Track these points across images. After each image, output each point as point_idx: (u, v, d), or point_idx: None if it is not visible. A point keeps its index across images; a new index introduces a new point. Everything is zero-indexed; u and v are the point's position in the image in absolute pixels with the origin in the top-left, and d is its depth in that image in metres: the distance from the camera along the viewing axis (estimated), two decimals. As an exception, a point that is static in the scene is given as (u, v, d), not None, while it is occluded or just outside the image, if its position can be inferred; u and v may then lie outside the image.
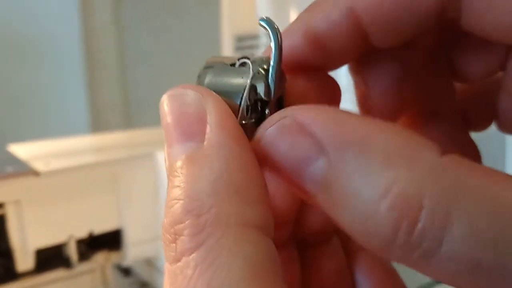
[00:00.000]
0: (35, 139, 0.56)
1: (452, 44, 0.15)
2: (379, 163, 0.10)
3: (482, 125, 0.17)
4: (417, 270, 0.10)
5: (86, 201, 0.46)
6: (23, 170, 0.43)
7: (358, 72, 0.15)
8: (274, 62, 0.12)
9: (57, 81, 1.10)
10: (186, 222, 0.10)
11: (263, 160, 0.11)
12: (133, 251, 0.49)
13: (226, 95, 0.12)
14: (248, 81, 0.12)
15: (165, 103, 0.12)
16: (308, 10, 0.14)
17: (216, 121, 0.11)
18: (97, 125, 1.15)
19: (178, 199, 0.10)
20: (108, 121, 1.17)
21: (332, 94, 0.15)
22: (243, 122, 0.12)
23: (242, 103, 0.12)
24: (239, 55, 0.13)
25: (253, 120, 0.13)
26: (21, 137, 0.61)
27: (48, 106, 1.11)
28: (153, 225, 0.50)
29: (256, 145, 0.12)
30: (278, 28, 0.13)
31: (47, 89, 1.10)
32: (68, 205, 0.45)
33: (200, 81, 0.13)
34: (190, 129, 0.11)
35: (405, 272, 0.16)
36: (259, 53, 0.15)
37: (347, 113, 0.11)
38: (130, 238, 0.49)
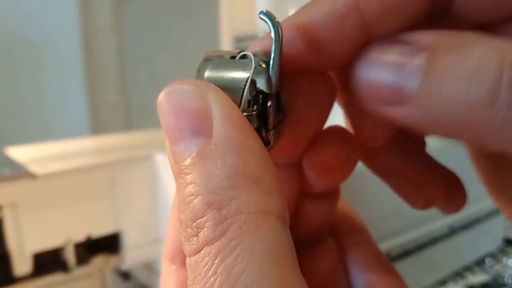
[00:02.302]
0: (34, 141, 0.56)
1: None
2: (473, 40, 0.11)
3: None
4: (503, 144, 0.10)
5: (84, 204, 0.45)
6: (19, 173, 0.43)
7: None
8: (274, 55, 0.12)
9: (57, 83, 1.10)
10: (208, 215, 0.10)
11: (363, 84, 0.12)
12: (132, 255, 0.49)
13: (226, 88, 0.12)
14: (250, 73, 0.12)
15: (164, 100, 0.12)
16: (305, 7, 0.13)
17: (221, 115, 0.11)
18: (97, 127, 1.14)
19: (196, 195, 0.11)
20: (108, 123, 1.17)
21: (328, 91, 0.15)
22: (245, 114, 0.12)
23: (244, 95, 0.12)
24: (237, 49, 0.13)
25: (255, 112, 0.13)
26: (20, 139, 0.61)
27: (48, 108, 1.10)
28: (152, 228, 0.49)
29: (354, 72, 0.12)
30: (278, 21, 0.12)
31: (47, 91, 1.10)
32: (65, 208, 0.44)
33: (199, 75, 0.13)
34: (195, 125, 0.11)
35: (410, 274, 0.16)
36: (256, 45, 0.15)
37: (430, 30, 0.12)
38: (129, 241, 0.48)
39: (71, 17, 1.10)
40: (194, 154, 0.11)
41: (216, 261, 0.10)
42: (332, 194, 0.16)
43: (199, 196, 0.11)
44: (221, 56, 0.13)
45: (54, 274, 0.46)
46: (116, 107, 1.19)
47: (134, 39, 1.19)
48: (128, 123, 1.20)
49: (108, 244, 0.48)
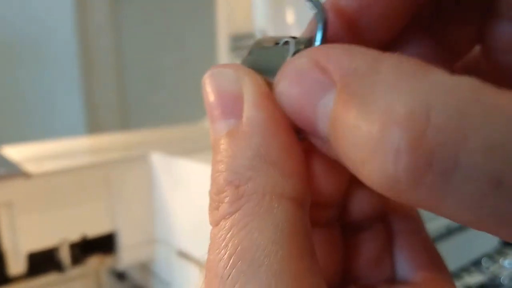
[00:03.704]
0: (30, 141, 0.56)
1: (436, 16, 0.15)
2: (384, 85, 0.09)
3: None
4: (432, 209, 0.09)
5: (79, 203, 0.45)
6: (14, 172, 0.42)
7: None
8: (318, 41, 0.12)
9: (53, 82, 1.10)
10: (227, 191, 0.11)
11: (284, 109, 0.12)
12: (127, 255, 0.48)
13: (265, 73, 0.13)
14: (288, 58, 0.12)
15: (207, 82, 0.12)
16: None
17: (251, 99, 0.12)
18: (94, 127, 1.14)
19: (221, 172, 0.11)
20: (105, 123, 1.16)
21: None
22: None
23: None
24: (284, 36, 0.13)
25: None
26: (17, 139, 0.61)
27: (44, 108, 1.10)
28: (148, 228, 0.49)
29: (275, 91, 0.12)
30: (324, 6, 0.12)
31: (44, 91, 1.09)
32: (60, 207, 0.44)
33: (243, 59, 0.14)
34: (230, 107, 0.12)
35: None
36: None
37: (361, 47, 0.11)
38: (124, 241, 0.48)
39: (68, 16, 1.10)
40: (225, 134, 0.12)
41: (228, 235, 0.11)
42: None
43: (223, 173, 0.11)
44: (268, 42, 0.14)
45: (49, 274, 0.46)
46: (113, 107, 1.18)
47: (131, 38, 1.19)
48: (125, 123, 1.19)
49: (104, 244, 0.48)
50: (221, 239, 0.11)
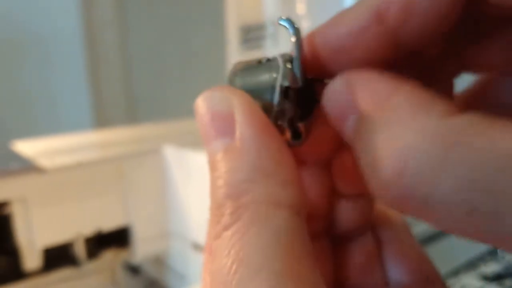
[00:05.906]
0: (39, 136, 0.56)
1: (463, 32, 0.14)
2: (388, 123, 0.11)
3: None
4: (417, 217, 0.11)
5: (93, 198, 0.45)
6: (28, 167, 0.42)
7: None
8: (296, 54, 0.14)
9: (60, 77, 1.10)
10: (227, 204, 0.12)
11: (329, 108, 0.13)
12: (142, 249, 0.48)
13: (256, 91, 0.14)
14: (280, 73, 0.14)
15: (200, 105, 0.13)
16: (327, 22, 0.14)
17: (242, 117, 0.13)
18: (101, 121, 1.14)
19: (220, 187, 0.12)
20: (112, 117, 1.16)
21: None
22: (273, 111, 0.14)
23: (276, 94, 0.14)
24: (263, 57, 0.14)
25: (279, 108, 0.14)
26: (25, 134, 0.61)
27: (51, 102, 1.10)
28: (162, 221, 0.49)
29: (324, 98, 0.13)
30: (296, 24, 0.14)
31: (50, 85, 1.09)
32: (75, 202, 0.44)
33: (230, 82, 0.15)
34: (223, 127, 0.13)
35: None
36: (267, 43, 0.15)
37: (384, 75, 0.12)
38: (138, 235, 0.48)
39: (73, 11, 1.09)
40: (221, 152, 0.13)
41: (230, 244, 0.11)
42: (366, 194, 0.16)
43: (222, 188, 0.12)
44: (249, 63, 0.15)
45: (64, 269, 0.46)
46: (120, 101, 1.18)
47: (137, 32, 1.18)
48: (132, 117, 1.19)
49: (118, 238, 0.48)
50: (223, 248, 0.11)
